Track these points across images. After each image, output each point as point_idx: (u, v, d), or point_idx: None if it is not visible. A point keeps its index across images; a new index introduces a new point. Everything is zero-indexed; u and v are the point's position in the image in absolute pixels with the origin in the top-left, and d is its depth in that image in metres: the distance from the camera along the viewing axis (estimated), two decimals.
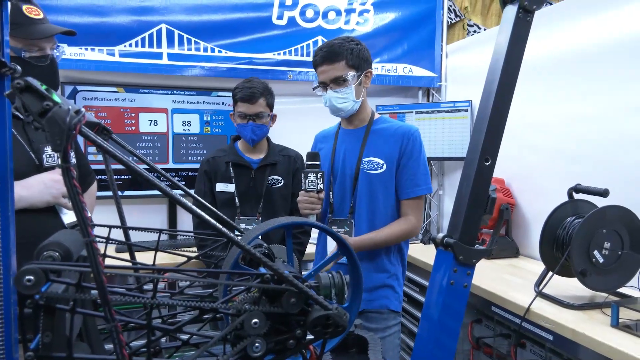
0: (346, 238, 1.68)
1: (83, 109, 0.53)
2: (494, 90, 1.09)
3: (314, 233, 2.33)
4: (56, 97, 0.52)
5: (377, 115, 1.86)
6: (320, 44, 2.32)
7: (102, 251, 0.79)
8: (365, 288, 1.76)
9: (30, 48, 1.40)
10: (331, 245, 1.83)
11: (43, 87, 0.52)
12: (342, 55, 1.70)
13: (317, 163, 1.63)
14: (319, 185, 1.60)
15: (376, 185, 1.76)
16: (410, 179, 1.75)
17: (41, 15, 1.42)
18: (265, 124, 2.14)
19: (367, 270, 1.73)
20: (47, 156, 1.43)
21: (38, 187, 1.36)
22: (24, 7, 1.39)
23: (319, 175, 1.60)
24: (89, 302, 0.70)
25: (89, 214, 1.36)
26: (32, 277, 0.52)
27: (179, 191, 0.94)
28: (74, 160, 1.56)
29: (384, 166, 1.76)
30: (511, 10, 1.09)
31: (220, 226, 0.63)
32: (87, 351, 0.71)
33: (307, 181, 1.61)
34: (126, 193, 2.70)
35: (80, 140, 2.49)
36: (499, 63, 1.09)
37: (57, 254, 0.64)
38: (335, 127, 1.95)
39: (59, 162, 1.62)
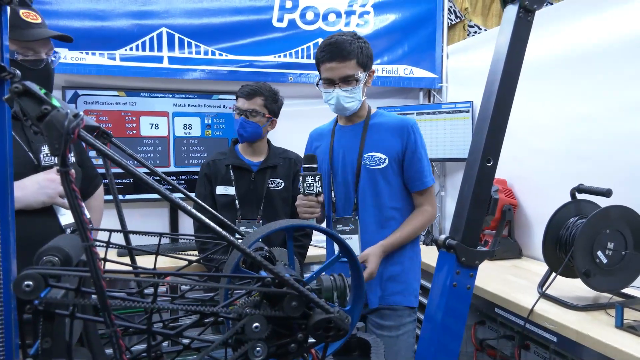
0: (376, 246, 1.69)
1: (82, 113, 0.53)
2: (495, 90, 1.08)
3: (316, 235, 2.33)
4: (55, 101, 0.52)
5: (373, 110, 1.85)
6: None
7: (102, 255, 0.78)
8: (378, 283, 1.75)
9: (25, 51, 1.38)
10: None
11: (42, 92, 0.51)
12: (353, 54, 1.65)
13: (315, 166, 1.59)
14: (318, 189, 1.57)
15: (380, 181, 1.75)
16: (419, 171, 1.75)
17: (39, 20, 1.41)
18: (258, 123, 2.11)
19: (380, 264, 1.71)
20: (45, 155, 1.42)
21: (33, 188, 1.34)
22: (22, 12, 1.38)
23: (317, 178, 1.57)
24: (90, 307, 0.70)
25: (87, 216, 1.36)
26: (31, 283, 0.52)
27: (180, 195, 0.93)
28: (72, 159, 1.56)
29: (386, 161, 1.74)
30: (512, 10, 1.09)
31: (220, 229, 0.63)
32: (88, 356, 0.71)
33: (305, 185, 1.58)
34: (128, 197, 2.70)
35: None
36: (499, 63, 1.09)
37: (57, 258, 0.63)
38: (330, 124, 1.92)
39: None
